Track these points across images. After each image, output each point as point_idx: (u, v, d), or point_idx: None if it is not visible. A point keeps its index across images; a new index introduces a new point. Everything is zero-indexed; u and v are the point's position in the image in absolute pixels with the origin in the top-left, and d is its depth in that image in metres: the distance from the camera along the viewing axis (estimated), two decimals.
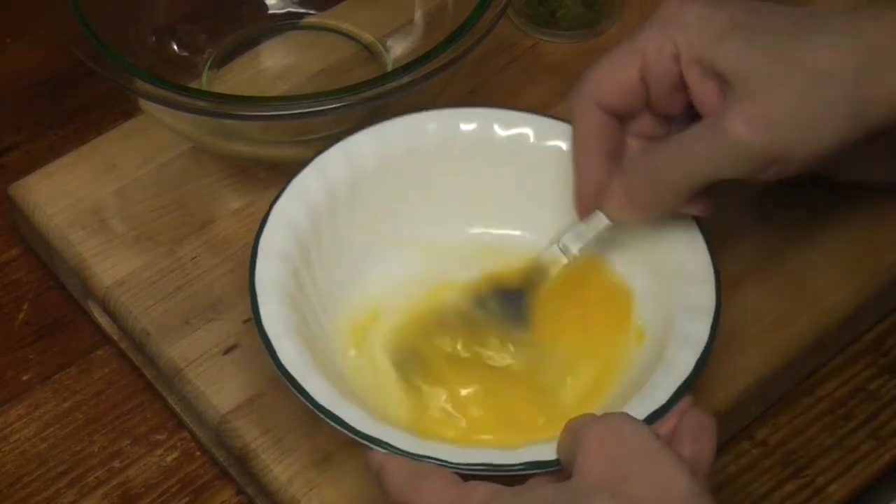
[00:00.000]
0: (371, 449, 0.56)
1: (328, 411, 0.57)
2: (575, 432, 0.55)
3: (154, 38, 0.76)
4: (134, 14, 0.75)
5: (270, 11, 0.80)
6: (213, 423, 0.64)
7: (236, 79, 0.77)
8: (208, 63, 0.77)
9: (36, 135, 0.80)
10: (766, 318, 0.67)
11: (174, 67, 0.75)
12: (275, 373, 0.58)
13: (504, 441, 0.60)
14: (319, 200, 0.65)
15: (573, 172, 0.65)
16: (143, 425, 0.67)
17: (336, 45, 0.78)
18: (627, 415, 0.55)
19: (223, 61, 0.77)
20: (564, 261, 0.64)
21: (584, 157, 0.64)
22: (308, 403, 0.57)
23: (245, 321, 0.66)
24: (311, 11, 0.80)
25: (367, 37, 0.78)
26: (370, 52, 0.78)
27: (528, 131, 0.67)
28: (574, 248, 0.64)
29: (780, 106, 0.57)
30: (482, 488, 0.54)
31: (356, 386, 0.61)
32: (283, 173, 0.66)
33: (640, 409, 0.57)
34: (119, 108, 0.80)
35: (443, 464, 0.56)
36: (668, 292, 0.63)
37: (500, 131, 0.67)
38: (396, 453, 0.56)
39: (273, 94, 0.75)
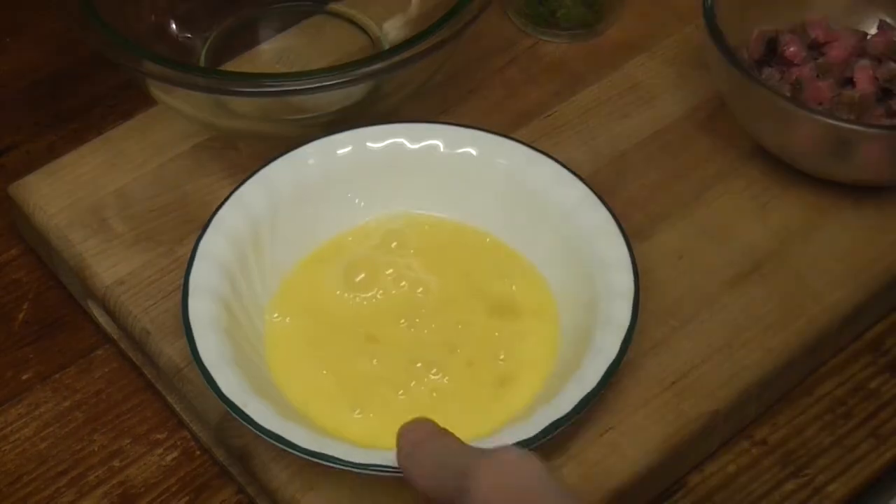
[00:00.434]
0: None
1: (269, 431, 0.59)
2: (456, 468, 0.51)
3: (153, 18, 0.76)
4: None
5: None
6: (213, 422, 0.64)
7: (234, 64, 0.77)
8: (206, 46, 0.78)
9: (36, 135, 0.80)
10: (766, 317, 0.67)
11: (174, 51, 0.76)
12: None
13: None
14: (242, 231, 0.66)
15: None
16: (143, 424, 0.67)
17: (337, 32, 0.79)
18: (519, 450, 0.51)
19: (222, 44, 0.78)
20: None
21: None
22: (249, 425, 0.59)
23: None
24: None
25: (365, 20, 0.79)
26: (370, 39, 0.78)
27: (437, 142, 0.69)
28: None
29: None
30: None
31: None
32: None
33: (574, 393, 0.60)
34: (119, 108, 0.80)
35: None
36: (590, 281, 0.65)
37: (409, 145, 0.69)
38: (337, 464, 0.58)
39: None
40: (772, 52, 0.74)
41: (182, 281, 0.64)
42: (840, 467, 0.65)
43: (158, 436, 0.67)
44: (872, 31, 0.76)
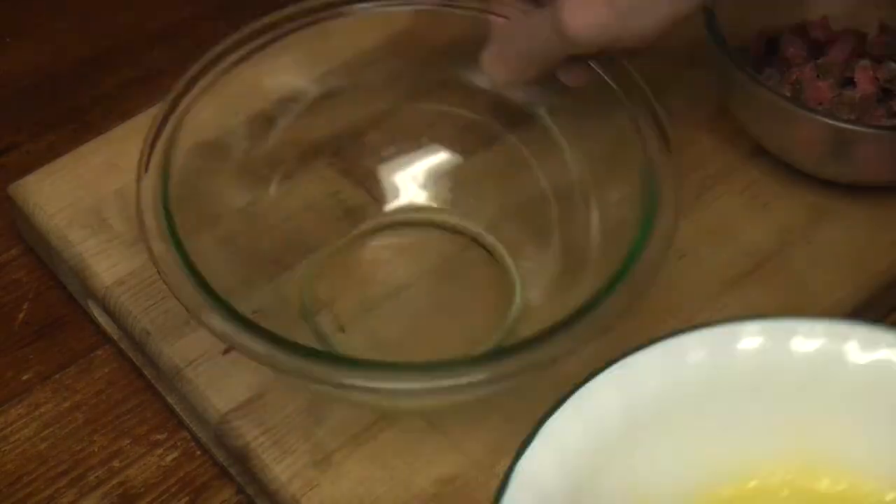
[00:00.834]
0: None
1: None
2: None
3: None
4: None
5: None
6: (213, 422, 0.64)
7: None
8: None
9: (36, 135, 0.80)
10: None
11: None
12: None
13: None
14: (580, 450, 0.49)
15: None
16: (143, 425, 0.67)
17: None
18: None
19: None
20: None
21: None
22: None
23: None
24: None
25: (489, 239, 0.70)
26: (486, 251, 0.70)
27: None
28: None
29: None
30: None
31: None
32: (284, 172, 0.66)
33: None
34: (119, 108, 0.80)
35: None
36: None
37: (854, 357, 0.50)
38: None
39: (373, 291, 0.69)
40: (772, 52, 0.74)
41: None
42: None
43: (158, 436, 0.67)
44: (873, 31, 0.76)
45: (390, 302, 0.68)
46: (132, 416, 0.68)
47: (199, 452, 0.67)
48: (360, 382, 0.56)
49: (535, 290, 0.68)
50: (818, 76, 0.72)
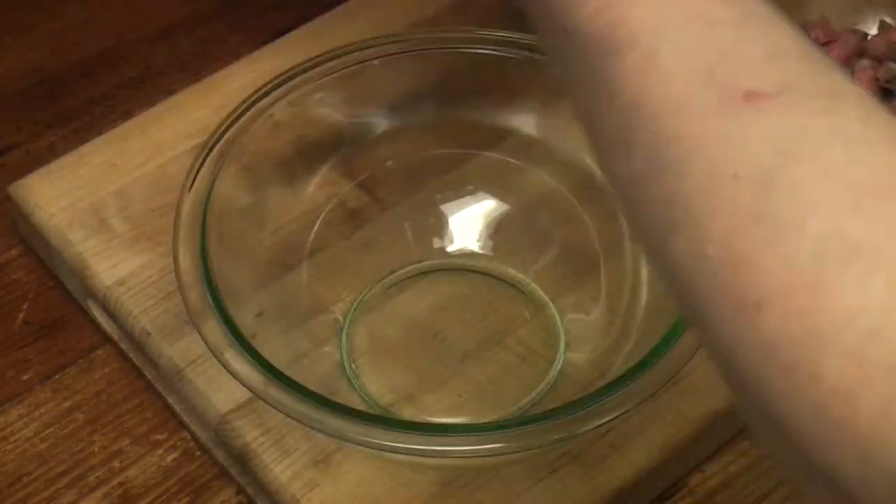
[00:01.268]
0: None
1: None
2: None
3: None
4: None
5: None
6: (213, 422, 0.64)
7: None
8: (348, 317, 0.68)
9: (36, 135, 0.80)
10: None
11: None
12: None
13: None
14: None
15: None
16: (143, 425, 0.67)
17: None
18: None
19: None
20: None
21: None
22: None
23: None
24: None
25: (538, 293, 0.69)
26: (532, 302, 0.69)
27: None
28: None
29: None
30: None
31: None
32: (285, 171, 0.66)
33: None
34: (119, 108, 0.80)
35: None
36: None
37: None
38: None
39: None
40: None
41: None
42: None
43: (158, 436, 0.67)
44: (873, 31, 0.75)
45: (427, 347, 0.68)
46: (132, 417, 0.68)
47: (199, 453, 0.66)
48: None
49: (580, 346, 0.67)
50: None
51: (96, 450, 0.67)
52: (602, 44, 0.41)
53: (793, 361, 0.35)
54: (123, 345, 0.69)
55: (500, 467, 0.62)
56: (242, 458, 0.63)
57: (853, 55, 0.73)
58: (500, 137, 0.70)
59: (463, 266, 0.70)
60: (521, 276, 0.69)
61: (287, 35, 0.80)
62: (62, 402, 0.68)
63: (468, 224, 0.71)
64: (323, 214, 0.69)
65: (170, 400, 0.68)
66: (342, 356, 0.66)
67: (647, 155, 0.40)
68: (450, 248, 0.70)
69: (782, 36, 0.41)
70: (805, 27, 0.75)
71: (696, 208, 0.38)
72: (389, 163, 0.70)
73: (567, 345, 0.67)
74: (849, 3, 0.76)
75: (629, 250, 0.67)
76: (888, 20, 0.76)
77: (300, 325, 0.66)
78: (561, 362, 0.66)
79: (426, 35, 0.69)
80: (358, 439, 0.55)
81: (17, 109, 0.81)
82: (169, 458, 0.66)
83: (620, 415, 0.56)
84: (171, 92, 0.79)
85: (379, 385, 0.66)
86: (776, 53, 0.40)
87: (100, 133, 0.76)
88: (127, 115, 0.77)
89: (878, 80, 0.72)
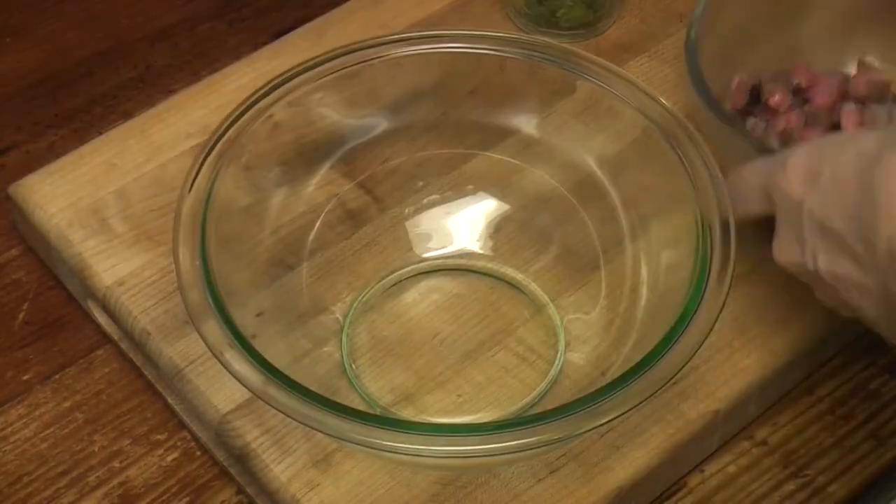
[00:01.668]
0: None
1: None
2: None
3: None
4: None
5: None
6: (213, 422, 0.64)
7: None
8: (348, 317, 0.68)
9: (36, 135, 0.80)
10: (767, 317, 0.67)
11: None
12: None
13: None
14: None
15: None
16: (143, 425, 0.67)
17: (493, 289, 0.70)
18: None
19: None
20: None
21: None
22: None
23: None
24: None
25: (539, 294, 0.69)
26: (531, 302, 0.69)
27: None
28: None
29: None
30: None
31: None
32: (285, 171, 0.66)
33: None
34: (119, 108, 0.80)
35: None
36: None
37: None
38: None
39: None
40: (755, 100, 0.72)
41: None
42: (840, 468, 0.65)
43: (159, 436, 0.67)
44: (852, 69, 0.74)
45: (427, 347, 0.68)
46: (132, 417, 0.68)
47: (199, 453, 0.67)
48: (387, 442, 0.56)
49: (579, 346, 0.67)
50: (806, 124, 0.70)
51: (96, 450, 0.67)
52: None
53: None
54: (123, 345, 0.70)
55: (500, 467, 0.62)
56: (242, 458, 0.63)
57: (838, 100, 0.72)
58: (500, 137, 0.70)
59: (463, 266, 0.70)
60: (520, 276, 0.69)
61: (287, 35, 0.80)
62: (62, 402, 0.68)
63: (468, 224, 0.71)
64: (323, 214, 0.69)
65: (170, 400, 0.68)
66: (342, 356, 0.66)
67: None
68: (450, 249, 0.71)
69: None
70: (787, 73, 0.73)
71: None
72: (389, 163, 0.70)
73: (567, 345, 0.67)
74: (847, 5, 0.76)
75: (629, 250, 0.67)
76: (867, 58, 0.75)
77: (300, 326, 0.66)
78: (561, 362, 0.66)
79: (426, 35, 0.69)
80: (358, 439, 0.55)
81: (17, 109, 0.81)
82: (169, 458, 0.66)
83: (620, 415, 0.55)
84: (171, 92, 0.79)
85: (379, 385, 0.66)
86: None
87: (100, 133, 0.76)
88: (127, 115, 0.77)
89: (864, 124, 0.70)
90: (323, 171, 0.69)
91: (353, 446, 0.58)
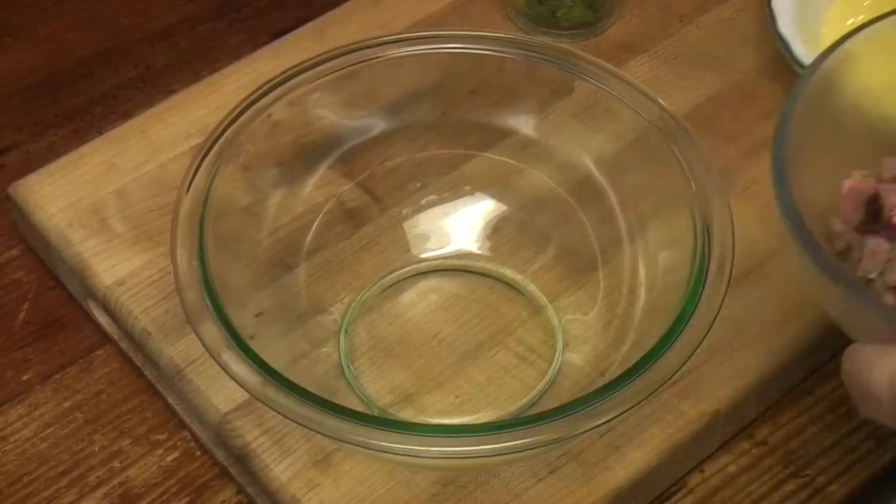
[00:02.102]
0: None
1: None
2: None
3: None
4: None
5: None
6: (214, 422, 0.64)
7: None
8: (346, 317, 0.68)
9: (36, 135, 0.80)
10: (767, 318, 0.67)
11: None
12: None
13: None
14: None
15: None
16: (143, 425, 0.67)
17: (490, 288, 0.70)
18: None
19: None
20: None
21: None
22: None
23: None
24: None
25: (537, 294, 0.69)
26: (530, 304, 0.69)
27: None
28: None
29: None
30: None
31: None
32: (284, 171, 0.66)
33: None
34: (119, 108, 0.80)
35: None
36: None
37: None
38: None
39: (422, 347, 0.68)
40: (874, 216, 0.58)
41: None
42: (840, 468, 0.65)
43: (159, 436, 0.67)
44: None
45: (426, 348, 0.68)
46: (132, 416, 0.68)
47: (199, 452, 0.67)
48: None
49: (578, 346, 0.67)
50: None
51: (96, 450, 0.67)
52: None
53: None
54: (123, 345, 0.70)
55: (500, 467, 0.62)
56: (242, 458, 0.63)
57: None
58: (499, 138, 0.70)
59: (462, 266, 0.70)
60: (519, 276, 0.69)
61: (287, 35, 0.80)
62: (62, 402, 0.68)
63: (467, 225, 0.71)
64: (322, 214, 0.69)
65: (170, 400, 0.68)
66: (341, 357, 0.66)
67: None
68: (448, 249, 0.71)
69: None
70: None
71: None
72: (388, 163, 0.70)
73: (566, 345, 0.67)
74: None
75: (627, 251, 0.67)
76: None
77: (299, 326, 0.66)
78: (560, 362, 0.66)
79: (426, 35, 0.69)
80: (356, 440, 0.55)
81: (17, 109, 0.81)
82: (169, 458, 0.66)
83: (620, 415, 0.55)
84: (171, 92, 0.79)
85: (378, 386, 0.66)
86: None
87: (100, 133, 0.76)
88: (127, 115, 0.77)
89: None
90: (322, 171, 0.69)
91: (351, 447, 0.58)
